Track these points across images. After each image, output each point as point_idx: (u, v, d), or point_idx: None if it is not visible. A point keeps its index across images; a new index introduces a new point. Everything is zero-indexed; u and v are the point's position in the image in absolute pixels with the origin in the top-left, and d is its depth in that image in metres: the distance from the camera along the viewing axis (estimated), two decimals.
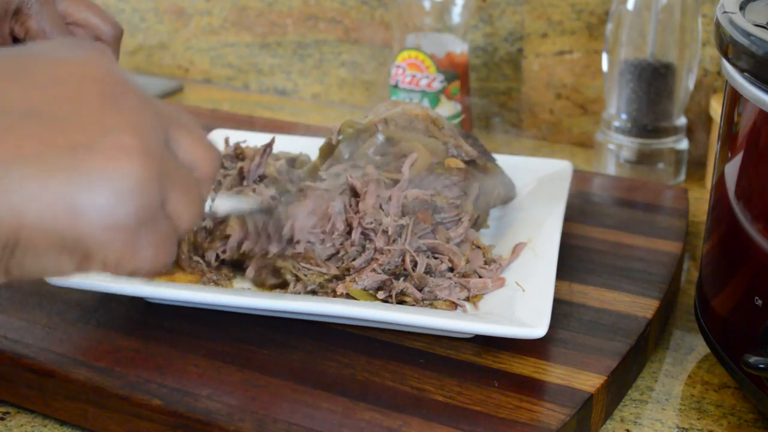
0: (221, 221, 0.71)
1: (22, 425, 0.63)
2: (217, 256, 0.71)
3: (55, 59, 0.38)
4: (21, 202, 0.35)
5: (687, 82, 0.96)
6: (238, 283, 0.71)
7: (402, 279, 0.67)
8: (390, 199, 0.70)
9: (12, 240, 0.35)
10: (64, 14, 0.63)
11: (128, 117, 0.37)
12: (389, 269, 0.68)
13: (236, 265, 0.72)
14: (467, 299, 0.67)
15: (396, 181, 0.72)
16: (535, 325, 0.60)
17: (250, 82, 1.29)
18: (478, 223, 0.75)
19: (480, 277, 0.69)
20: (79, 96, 0.37)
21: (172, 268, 0.72)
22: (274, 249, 0.69)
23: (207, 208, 0.45)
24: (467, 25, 1.03)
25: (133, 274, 0.38)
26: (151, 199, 0.37)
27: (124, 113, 0.37)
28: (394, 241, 0.68)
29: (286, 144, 0.84)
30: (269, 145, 0.77)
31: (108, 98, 0.38)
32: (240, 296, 0.65)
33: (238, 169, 0.76)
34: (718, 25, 0.59)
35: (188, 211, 0.39)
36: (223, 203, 0.58)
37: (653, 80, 0.94)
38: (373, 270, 0.67)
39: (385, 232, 0.68)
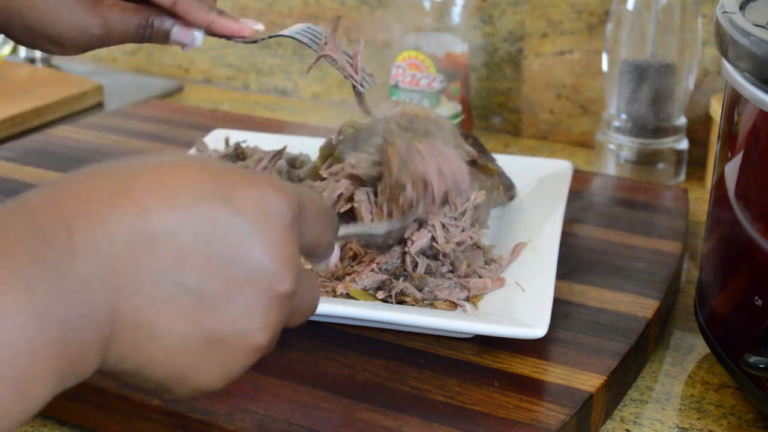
0: None
1: (22, 425, 0.63)
2: None
3: (198, 233, 0.38)
4: (140, 363, 0.38)
5: (687, 82, 0.96)
6: None
7: (402, 279, 0.67)
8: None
9: (111, 371, 0.39)
10: None
11: (262, 314, 0.40)
12: (389, 270, 0.68)
13: None
14: (467, 299, 0.67)
15: None
16: (535, 325, 0.60)
17: (250, 82, 1.29)
18: (478, 224, 0.75)
19: (480, 277, 0.69)
20: (228, 276, 0.38)
21: None
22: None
23: None
24: (467, 25, 1.03)
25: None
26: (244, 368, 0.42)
27: (260, 306, 0.39)
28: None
29: (286, 144, 0.84)
30: (279, 153, 0.77)
31: (249, 283, 0.39)
32: None
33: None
34: (718, 25, 0.59)
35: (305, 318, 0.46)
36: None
37: (653, 80, 0.94)
38: (373, 270, 0.67)
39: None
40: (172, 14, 0.64)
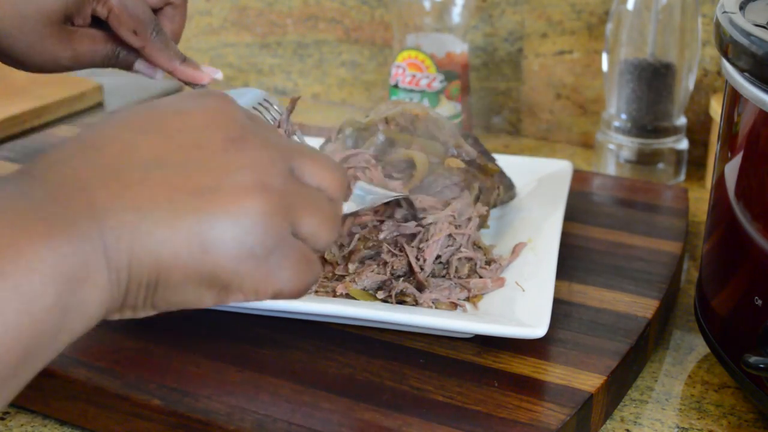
0: None
1: (22, 425, 0.63)
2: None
3: (180, 110, 0.41)
4: (156, 245, 0.38)
5: (687, 82, 0.96)
6: None
7: (402, 279, 0.67)
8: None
9: (153, 278, 0.38)
10: None
11: (250, 156, 0.40)
12: (396, 274, 0.68)
13: None
14: (467, 299, 0.67)
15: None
16: (535, 325, 0.60)
17: (250, 82, 1.29)
18: (477, 223, 0.75)
19: (480, 277, 0.69)
20: (203, 142, 0.40)
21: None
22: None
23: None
24: (467, 25, 1.03)
25: (276, 297, 0.41)
26: (277, 227, 0.40)
27: (246, 153, 0.40)
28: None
29: None
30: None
31: (230, 142, 0.40)
32: None
33: None
34: (718, 25, 0.59)
35: (322, 229, 0.42)
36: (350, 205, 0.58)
37: (653, 80, 0.94)
38: (373, 270, 0.67)
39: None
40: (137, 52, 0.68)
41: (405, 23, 1.01)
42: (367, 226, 0.69)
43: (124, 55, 0.67)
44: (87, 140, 0.40)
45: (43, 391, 0.62)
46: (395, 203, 0.69)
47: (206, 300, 0.40)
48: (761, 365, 0.55)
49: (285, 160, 0.42)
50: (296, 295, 0.41)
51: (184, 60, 0.68)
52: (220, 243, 0.38)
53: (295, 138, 0.71)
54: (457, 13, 1.01)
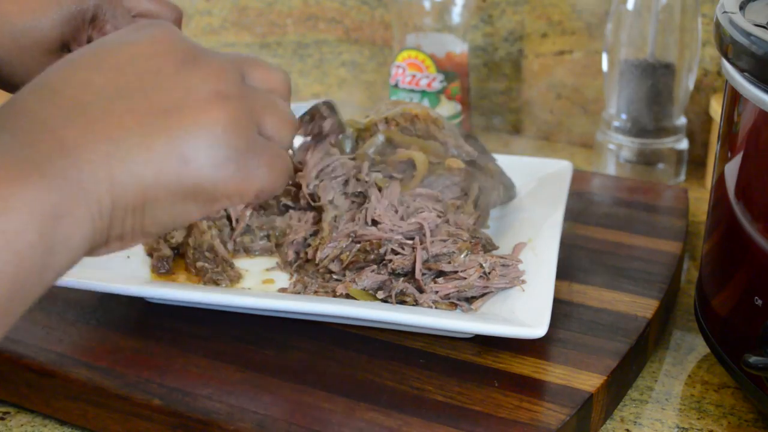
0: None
1: (22, 425, 0.63)
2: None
3: (127, 42, 0.43)
4: (137, 168, 0.39)
5: (687, 82, 0.96)
6: (239, 283, 0.71)
7: (402, 279, 0.67)
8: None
9: (140, 201, 0.40)
10: (128, 9, 0.67)
11: (203, 71, 0.42)
12: (399, 273, 0.68)
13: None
14: (467, 300, 0.67)
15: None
16: (535, 325, 0.60)
17: None
18: (478, 223, 0.75)
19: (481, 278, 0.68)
20: (156, 68, 0.42)
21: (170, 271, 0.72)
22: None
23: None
24: (467, 25, 1.03)
25: (258, 196, 0.43)
26: (245, 129, 0.42)
27: (199, 70, 0.42)
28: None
29: None
30: None
31: (181, 63, 0.42)
32: (240, 296, 0.65)
33: None
34: (718, 25, 0.59)
35: (283, 126, 0.45)
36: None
37: (653, 80, 0.94)
38: (373, 270, 0.67)
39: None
40: None
41: (405, 23, 1.01)
42: (369, 241, 0.69)
43: None
44: (42, 85, 0.40)
45: (43, 391, 0.62)
46: (319, 117, 0.69)
47: (194, 213, 0.42)
48: (761, 365, 0.55)
49: (236, 69, 0.44)
50: (275, 189, 0.44)
51: None
52: (198, 153, 0.40)
53: None
54: (457, 13, 1.01)
